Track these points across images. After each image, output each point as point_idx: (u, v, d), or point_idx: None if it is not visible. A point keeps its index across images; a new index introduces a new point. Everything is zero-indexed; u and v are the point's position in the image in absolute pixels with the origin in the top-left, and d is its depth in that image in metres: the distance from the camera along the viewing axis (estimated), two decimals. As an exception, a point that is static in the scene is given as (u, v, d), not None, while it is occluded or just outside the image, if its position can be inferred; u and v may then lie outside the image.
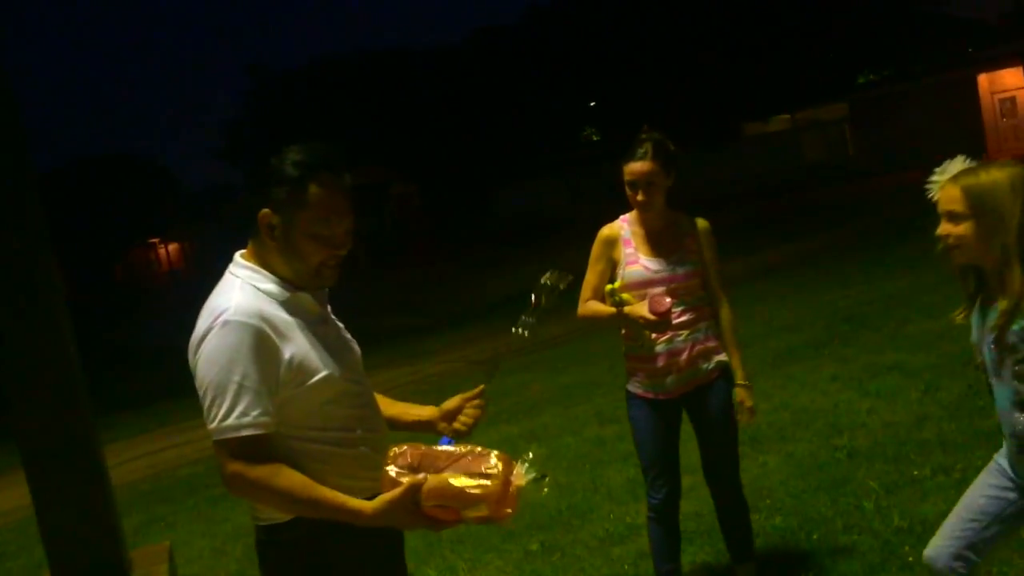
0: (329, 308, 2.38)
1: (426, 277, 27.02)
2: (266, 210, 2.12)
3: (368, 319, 21.10)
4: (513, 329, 2.57)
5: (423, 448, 2.16)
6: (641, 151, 3.28)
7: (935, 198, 2.52)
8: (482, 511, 2.00)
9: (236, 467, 2.00)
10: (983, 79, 30.23)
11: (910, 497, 4.19)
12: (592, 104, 46.34)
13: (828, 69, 41.78)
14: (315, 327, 2.19)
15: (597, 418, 6.90)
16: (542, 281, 2.59)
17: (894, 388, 5.93)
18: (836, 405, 5.85)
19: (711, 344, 3.41)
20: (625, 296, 3.28)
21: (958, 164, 2.50)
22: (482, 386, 2.48)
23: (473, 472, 2.03)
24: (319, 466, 2.10)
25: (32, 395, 2.44)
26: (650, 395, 3.41)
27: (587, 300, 3.44)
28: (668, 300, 3.15)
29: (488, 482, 2.01)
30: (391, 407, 2.47)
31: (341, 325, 2.40)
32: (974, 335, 2.53)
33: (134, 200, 50.44)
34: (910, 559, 3.57)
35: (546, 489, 2.16)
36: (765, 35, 40.78)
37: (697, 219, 3.48)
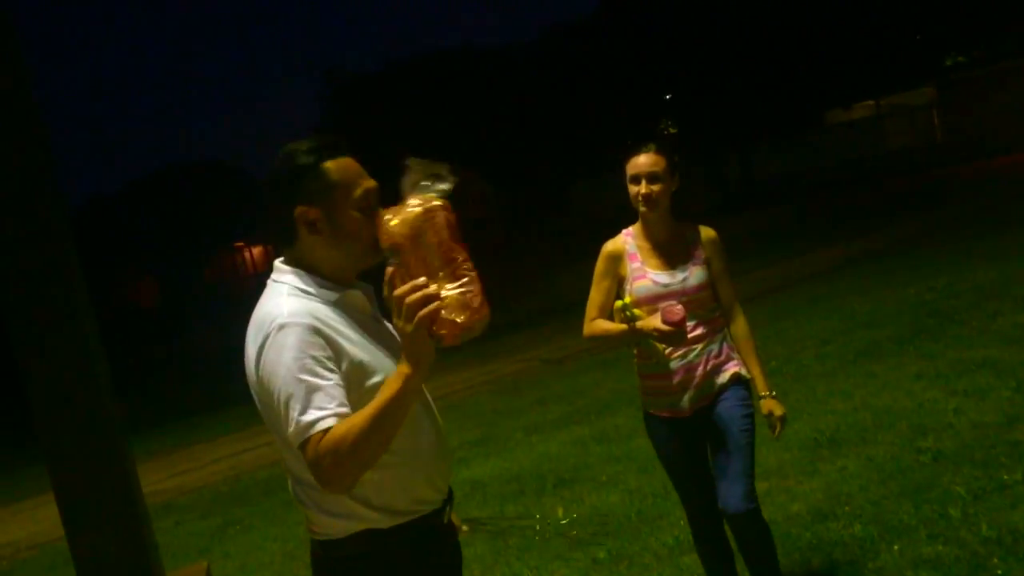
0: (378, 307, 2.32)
1: (502, 275, 26.99)
2: (301, 207, 2.06)
3: (443, 318, 21.24)
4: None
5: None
6: (646, 147, 3.23)
7: None
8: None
9: (327, 455, 1.86)
10: (1080, 58, 28.84)
11: (1000, 504, 3.94)
12: (668, 97, 45.73)
13: (914, 52, 40.40)
14: (369, 325, 2.13)
15: (670, 419, 6.74)
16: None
17: (983, 386, 5.62)
18: (920, 405, 5.58)
19: (725, 357, 3.29)
20: (637, 312, 3.18)
21: None
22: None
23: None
24: (377, 475, 2.02)
25: (60, 415, 2.43)
26: (667, 414, 3.29)
27: (593, 319, 3.33)
28: (681, 308, 3.04)
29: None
30: None
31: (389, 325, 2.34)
32: None
33: (222, 205, 51.81)
34: (999, 572, 3.35)
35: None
36: (847, 18, 39.63)
37: (703, 228, 3.37)
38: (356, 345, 2.04)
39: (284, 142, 2.19)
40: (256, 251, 53.47)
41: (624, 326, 3.19)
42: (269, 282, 2.14)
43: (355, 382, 2.01)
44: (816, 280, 12.49)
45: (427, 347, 1.93)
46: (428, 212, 2.00)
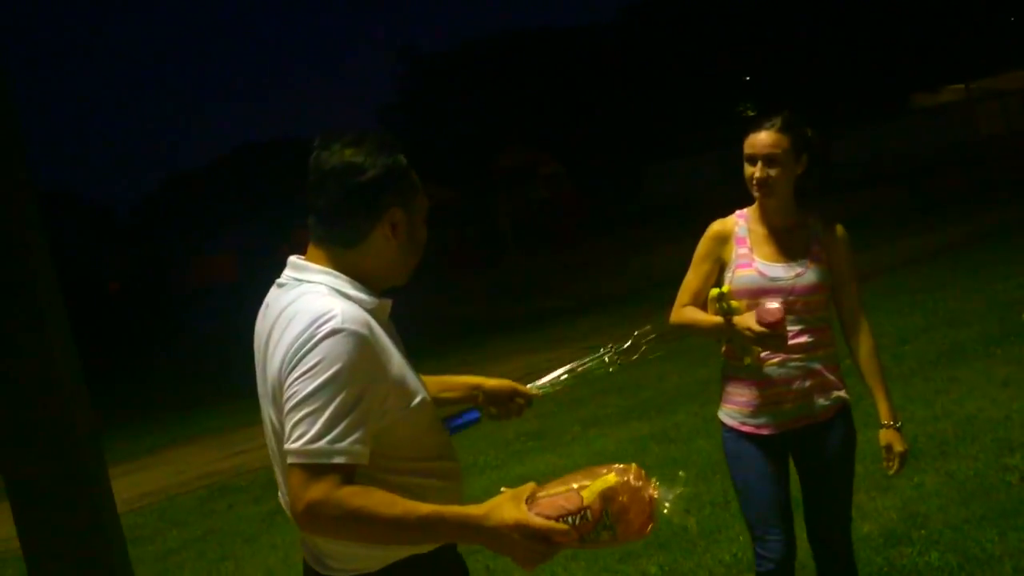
0: None
1: (573, 259, 26.69)
2: (394, 209, 1.86)
3: (512, 302, 21.14)
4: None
5: None
6: (769, 122, 2.82)
7: None
8: (609, 480, 1.74)
9: (319, 492, 1.69)
10: None
11: (1098, 536, 3.55)
12: (747, 78, 44.67)
13: (1007, 34, 38.69)
14: (396, 339, 1.93)
15: (735, 419, 6.41)
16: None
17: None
18: (1008, 416, 5.15)
19: (830, 376, 2.87)
20: (734, 304, 2.77)
21: None
22: (538, 392, 2.27)
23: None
24: (433, 490, 1.87)
25: (17, 426, 2.23)
26: (749, 428, 2.88)
27: (684, 305, 2.95)
28: (779, 308, 2.67)
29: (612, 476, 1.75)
30: (431, 384, 2.12)
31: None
32: None
33: (297, 183, 52.58)
34: (1096, 618, 2.99)
35: (691, 518, 1.87)
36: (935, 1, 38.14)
37: (833, 223, 2.96)
38: (397, 362, 1.86)
39: (355, 120, 1.96)
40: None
41: (718, 319, 2.80)
42: (289, 281, 1.90)
43: (399, 404, 1.83)
44: (896, 272, 11.92)
45: (530, 545, 1.74)
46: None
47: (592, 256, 26.45)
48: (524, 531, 1.69)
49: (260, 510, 7.22)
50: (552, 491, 1.74)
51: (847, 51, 38.05)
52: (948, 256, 12.58)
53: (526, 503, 1.72)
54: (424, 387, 1.90)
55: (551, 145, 39.23)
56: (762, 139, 2.81)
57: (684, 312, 2.95)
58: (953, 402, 5.65)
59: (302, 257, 1.92)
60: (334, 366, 1.70)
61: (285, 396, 1.74)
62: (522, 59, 45.94)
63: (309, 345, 1.72)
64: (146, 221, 56.96)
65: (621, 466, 1.77)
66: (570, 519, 1.71)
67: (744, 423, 2.88)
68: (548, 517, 1.71)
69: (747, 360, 2.82)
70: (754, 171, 2.83)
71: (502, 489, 1.78)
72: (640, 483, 1.74)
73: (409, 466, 1.84)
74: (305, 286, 1.85)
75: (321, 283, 1.84)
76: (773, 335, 2.66)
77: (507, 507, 1.71)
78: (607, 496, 1.71)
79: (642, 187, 41.05)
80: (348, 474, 1.72)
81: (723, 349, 2.96)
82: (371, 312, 1.84)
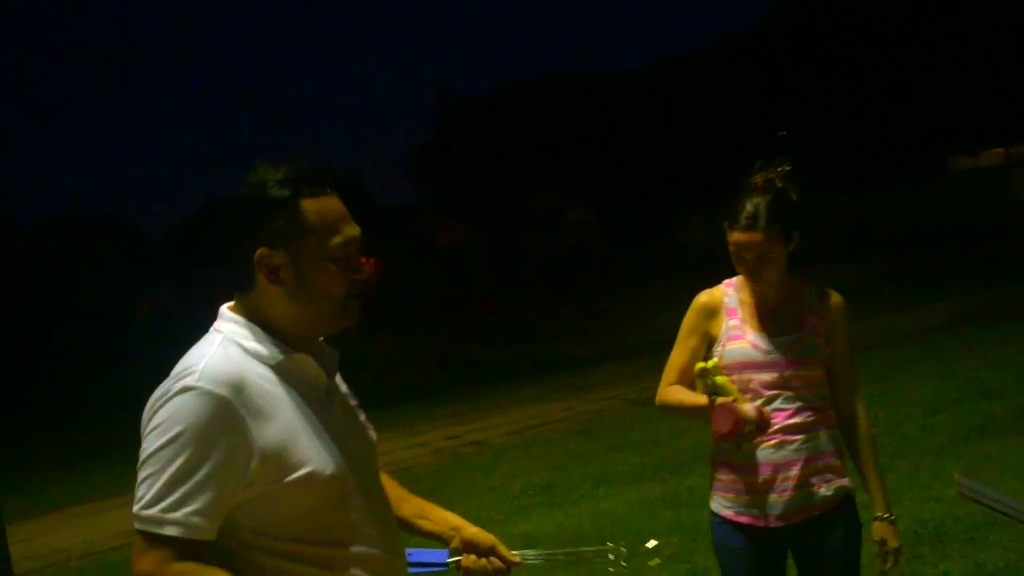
0: (339, 379, 1.87)
1: (598, 307, 26.41)
2: (263, 249, 1.66)
3: (533, 346, 20.87)
4: None
5: None
6: (746, 216, 2.51)
7: None
8: None
9: (148, 564, 1.55)
10: None
11: None
12: (783, 133, 44.49)
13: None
14: (313, 403, 1.70)
15: (751, 486, 6.09)
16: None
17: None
18: (1044, 502, 4.81)
19: (832, 461, 2.58)
20: (720, 380, 2.49)
21: None
22: (520, 560, 1.94)
23: None
24: None
25: None
26: (745, 519, 2.59)
27: (671, 384, 2.68)
28: (746, 413, 2.38)
29: None
30: (403, 504, 1.94)
31: (354, 402, 1.89)
32: None
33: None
34: None
35: None
36: (978, 60, 37.88)
37: (827, 291, 2.69)
38: (281, 428, 1.62)
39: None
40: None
41: (703, 398, 2.53)
42: (212, 329, 1.75)
43: (268, 476, 1.60)
44: (929, 337, 11.56)
45: None
46: None
47: (618, 305, 26.13)
48: None
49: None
50: None
51: (886, 110, 37.82)
52: (981, 323, 12.19)
53: None
54: (333, 458, 1.65)
55: (583, 191, 39.21)
56: (746, 243, 2.54)
57: (671, 392, 2.69)
58: (986, 482, 5.28)
59: (229, 304, 1.76)
60: (176, 426, 1.56)
61: (141, 451, 1.61)
62: (558, 104, 46.14)
63: (161, 401, 1.60)
64: (181, 246, 57.44)
65: None
66: None
67: (740, 513, 2.60)
68: None
69: (736, 444, 2.52)
70: (743, 268, 2.60)
71: None
72: None
73: (285, 548, 1.62)
74: (209, 335, 1.72)
75: (222, 331, 1.70)
76: (763, 423, 2.41)
77: None
78: None
79: (671, 238, 40.80)
80: (185, 548, 1.54)
81: (713, 432, 2.62)
82: (278, 368, 1.66)
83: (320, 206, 1.69)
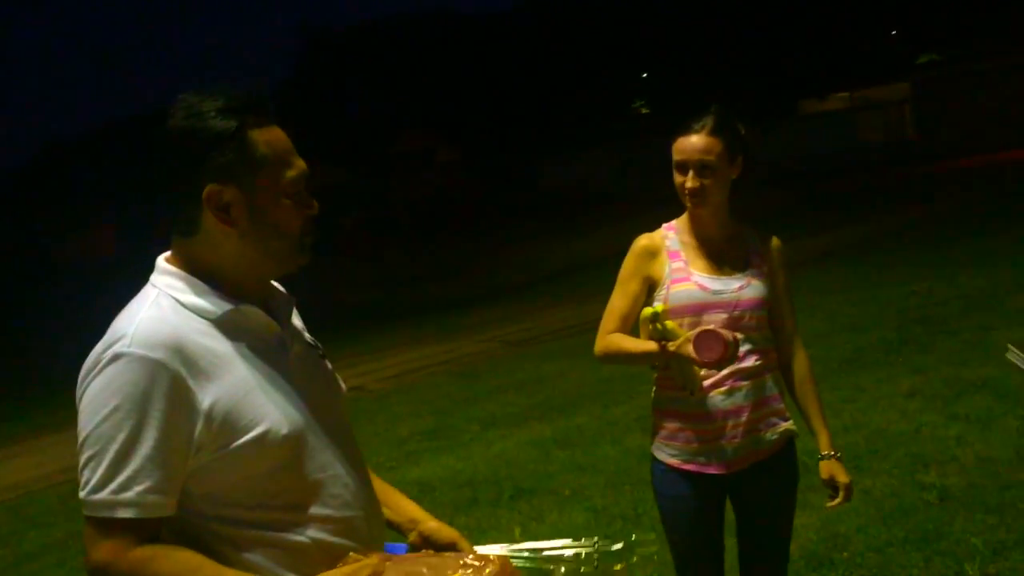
0: (301, 324, 1.73)
1: (468, 247, 26.39)
2: (212, 186, 1.49)
3: (403, 289, 20.70)
4: None
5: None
6: (699, 124, 2.48)
7: None
8: None
9: (105, 553, 1.41)
10: (1059, 60, 28.76)
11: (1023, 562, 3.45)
12: (643, 76, 45.18)
13: (890, 47, 40.22)
14: (265, 356, 1.56)
15: (639, 424, 6.18)
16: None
17: (986, 412, 5.14)
18: (918, 430, 5.09)
19: (777, 405, 2.54)
20: (670, 324, 2.40)
21: None
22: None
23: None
24: (250, 561, 1.49)
25: None
26: (691, 467, 2.52)
27: (611, 331, 2.56)
28: (723, 336, 2.27)
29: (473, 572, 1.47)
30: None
31: (319, 350, 1.74)
32: None
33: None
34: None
35: None
36: (826, 9, 39.29)
37: (767, 233, 2.66)
38: (229, 388, 1.48)
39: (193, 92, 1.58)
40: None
41: (651, 344, 2.42)
42: (148, 283, 1.58)
43: (217, 441, 1.46)
44: (794, 273, 12.02)
45: None
46: None
47: (486, 246, 26.19)
48: None
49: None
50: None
51: (740, 54, 38.83)
52: (840, 260, 12.78)
53: None
54: (284, 419, 1.52)
55: (448, 132, 38.84)
56: (693, 144, 2.47)
57: (612, 339, 2.55)
58: (861, 412, 5.57)
59: (166, 254, 1.60)
60: (112, 399, 1.42)
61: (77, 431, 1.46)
62: (421, 42, 45.30)
63: (93, 373, 1.46)
64: (21, 190, 54.10)
65: (476, 564, 1.48)
66: None
67: (686, 461, 2.54)
68: None
69: (689, 391, 2.48)
70: (685, 180, 2.49)
71: (341, 563, 1.48)
72: None
73: (243, 515, 1.50)
74: (144, 290, 1.56)
75: (157, 286, 1.55)
76: (724, 359, 2.31)
77: None
78: None
79: (536, 179, 41.05)
80: (142, 529, 1.41)
81: (655, 377, 2.61)
82: (220, 322, 1.52)
83: (269, 137, 1.54)
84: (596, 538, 1.92)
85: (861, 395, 5.95)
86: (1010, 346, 1.87)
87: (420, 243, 29.08)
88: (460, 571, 1.47)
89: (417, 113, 41.41)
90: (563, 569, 1.81)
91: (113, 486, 1.40)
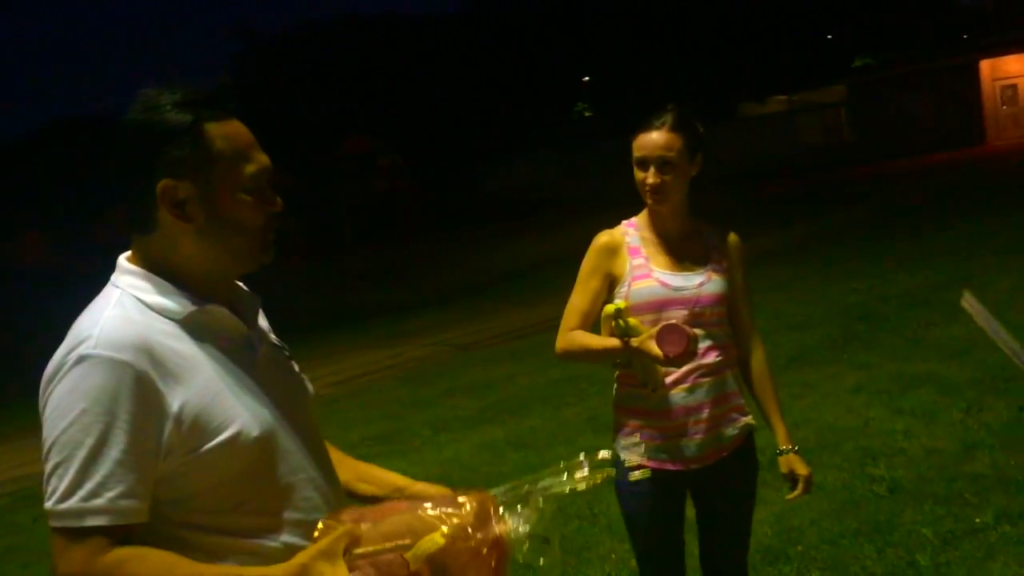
0: (266, 325, 1.69)
1: (412, 252, 26.28)
2: (166, 181, 1.45)
3: (351, 294, 20.52)
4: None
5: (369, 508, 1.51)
6: (659, 120, 2.49)
7: None
8: (436, 540, 1.39)
9: (74, 563, 1.35)
10: (985, 65, 29.64)
11: (972, 552, 3.51)
12: (586, 79, 45.46)
13: (827, 51, 41.09)
14: (233, 357, 1.52)
15: (591, 424, 6.22)
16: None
17: (930, 406, 5.25)
18: (866, 424, 5.18)
19: (737, 400, 2.58)
20: (632, 321, 2.41)
21: None
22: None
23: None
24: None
25: None
26: (652, 464, 2.53)
27: (572, 329, 2.55)
28: (686, 332, 2.28)
29: (452, 511, 1.43)
30: (339, 468, 1.73)
31: (287, 352, 1.71)
32: None
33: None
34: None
35: (542, 560, 1.47)
36: (764, 14, 40.00)
37: (725, 230, 2.69)
38: (198, 390, 1.44)
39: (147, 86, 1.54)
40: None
41: (614, 341, 2.43)
42: (109, 283, 1.53)
43: (187, 445, 1.42)
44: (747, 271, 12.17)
45: None
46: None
47: (429, 250, 26.11)
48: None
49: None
50: (373, 548, 1.40)
51: (682, 57, 39.33)
52: (782, 259, 12.96)
53: (344, 559, 1.37)
54: (254, 421, 1.47)
55: (392, 137, 38.64)
56: (653, 140, 2.48)
57: (573, 337, 2.54)
58: (810, 408, 5.66)
59: (127, 253, 1.55)
60: (79, 403, 1.36)
61: (43, 438, 1.40)
62: (364, 45, 45.00)
63: (58, 376, 1.40)
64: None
65: (449, 510, 1.44)
66: None
67: (648, 459, 2.54)
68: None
69: (651, 388, 2.48)
70: (646, 176, 2.50)
71: (316, 533, 1.42)
72: (481, 531, 1.42)
73: (213, 521, 1.46)
74: (108, 291, 1.51)
75: (119, 286, 1.50)
76: (685, 354, 2.31)
77: (320, 568, 1.35)
78: (436, 561, 1.39)
79: (480, 183, 41.06)
80: (114, 536, 1.36)
81: (616, 375, 2.61)
82: (186, 323, 1.48)
83: (227, 131, 1.50)
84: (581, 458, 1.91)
85: (809, 391, 6.03)
86: (966, 292, 1.87)
87: (364, 247, 28.89)
88: (439, 518, 1.42)
89: (360, 117, 41.12)
90: (541, 500, 1.75)
91: (83, 492, 1.34)
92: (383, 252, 27.24)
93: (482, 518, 1.43)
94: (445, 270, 21.62)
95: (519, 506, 1.50)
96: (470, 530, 1.42)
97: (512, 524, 1.46)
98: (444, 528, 1.41)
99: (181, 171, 1.45)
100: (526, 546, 1.45)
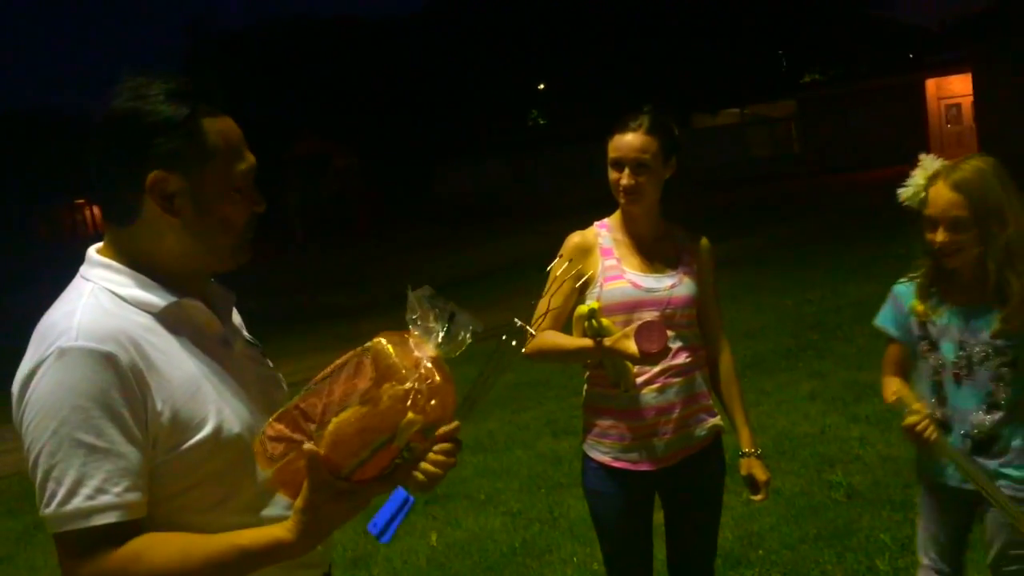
0: (240, 322, 1.67)
1: (364, 255, 26.11)
2: (157, 172, 1.41)
3: (303, 296, 20.32)
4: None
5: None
6: (635, 123, 2.50)
7: (915, 199, 2.48)
8: (414, 421, 1.38)
9: (88, 570, 1.29)
10: (931, 84, 30.37)
11: (930, 557, 3.57)
12: (540, 87, 45.63)
13: (778, 66, 41.76)
14: (211, 352, 1.49)
15: (550, 428, 6.21)
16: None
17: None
18: (823, 431, 5.25)
19: (705, 401, 2.60)
20: (605, 322, 2.41)
21: (934, 163, 2.43)
22: (457, 423, 1.62)
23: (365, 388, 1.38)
24: None
25: None
26: (621, 464, 2.54)
27: (543, 329, 2.54)
28: (661, 330, 2.28)
29: (400, 384, 1.38)
30: None
31: (259, 348, 1.68)
32: (934, 332, 2.44)
33: (59, 157, 48.47)
34: (945, 645, 2.94)
35: (468, 337, 1.58)
36: (716, 28, 40.50)
37: (696, 234, 2.72)
38: (177, 384, 1.40)
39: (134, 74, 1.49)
40: (97, 210, 50.23)
41: (586, 340, 2.42)
42: (76, 277, 1.49)
43: (167, 442, 1.38)
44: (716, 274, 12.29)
45: (349, 513, 1.37)
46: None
47: (383, 253, 25.96)
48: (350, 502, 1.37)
49: (15, 525, 6.32)
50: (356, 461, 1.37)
51: (636, 68, 39.65)
52: (733, 269, 13.09)
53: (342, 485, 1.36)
54: (234, 417, 1.45)
55: (346, 138, 38.41)
56: (629, 142, 2.49)
57: (544, 337, 2.52)
58: (767, 415, 5.72)
59: (98, 245, 1.51)
60: (68, 398, 1.30)
61: (25, 444, 1.33)
62: (319, 45, 44.67)
63: (38, 375, 1.33)
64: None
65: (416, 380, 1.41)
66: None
67: (617, 459, 2.55)
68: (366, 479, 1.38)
69: (624, 388, 2.49)
70: (620, 177, 2.51)
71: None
72: (430, 380, 1.43)
73: (191, 519, 1.43)
74: (78, 283, 1.46)
75: (91, 279, 1.45)
76: (658, 354, 2.31)
77: (328, 511, 1.36)
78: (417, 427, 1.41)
79: (434, 187, 40.97)
80: (124, 533, 1.31)
81: (587, 375, 2.61)
82: (162, 316, 1.44)
83: (221, 127, 1.47)
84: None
85: (765, 399, 6.10)
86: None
87: (315, 249, 28.65)
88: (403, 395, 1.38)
89: (313, 118, 40.79)
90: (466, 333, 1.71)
91: (88, 491, 1.29)
92: (335, 254, 27.04)
93: (411, 359, 1.43)
94: (398, 273, 21.50)
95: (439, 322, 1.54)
96: (435, 378, 1.42)
97: (433, 341, 1.50)
98: (413, 414, 1.38)
99: (173, 164, 1.42)
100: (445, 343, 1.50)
